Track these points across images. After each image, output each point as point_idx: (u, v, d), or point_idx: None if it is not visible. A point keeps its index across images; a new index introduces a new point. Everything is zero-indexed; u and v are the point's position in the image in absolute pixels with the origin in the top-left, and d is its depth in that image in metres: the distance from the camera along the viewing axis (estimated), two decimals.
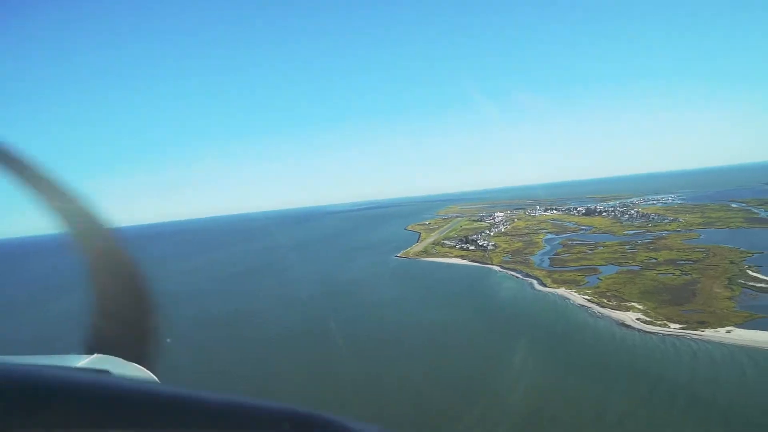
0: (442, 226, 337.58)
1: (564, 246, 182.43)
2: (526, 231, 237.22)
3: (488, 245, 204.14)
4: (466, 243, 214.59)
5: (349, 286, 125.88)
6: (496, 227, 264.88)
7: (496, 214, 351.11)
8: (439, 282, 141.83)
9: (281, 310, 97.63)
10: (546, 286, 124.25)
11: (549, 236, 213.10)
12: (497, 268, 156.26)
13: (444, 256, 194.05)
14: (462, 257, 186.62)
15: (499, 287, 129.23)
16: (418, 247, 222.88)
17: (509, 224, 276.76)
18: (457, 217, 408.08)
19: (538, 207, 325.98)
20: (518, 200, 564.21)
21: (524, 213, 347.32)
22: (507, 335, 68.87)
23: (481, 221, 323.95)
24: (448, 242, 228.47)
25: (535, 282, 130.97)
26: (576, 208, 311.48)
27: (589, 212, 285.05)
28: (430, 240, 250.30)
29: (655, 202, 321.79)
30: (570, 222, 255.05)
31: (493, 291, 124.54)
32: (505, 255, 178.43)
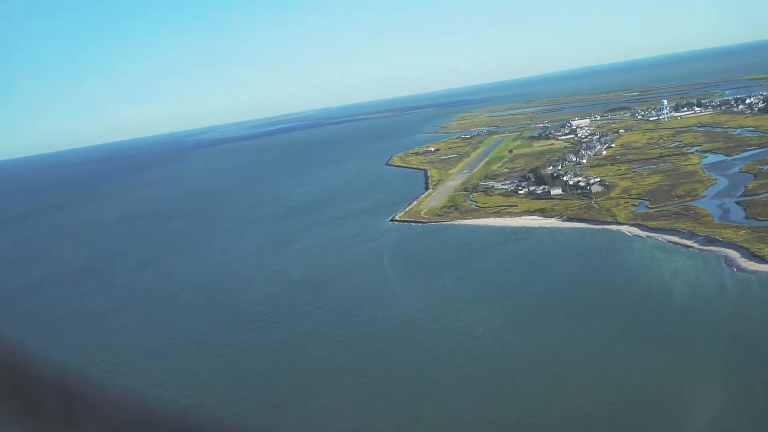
0: (466, 152, 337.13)
1: (757, 175, 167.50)
2: (655, 151, 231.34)
3: (590, 185, 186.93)
4: (540, 183, 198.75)
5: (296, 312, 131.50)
6: (589, 147, 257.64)
7: (574, 123, 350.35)
8: (519, 284, 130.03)
9: None
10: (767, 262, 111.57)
11: (711, 158, 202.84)
12: (631, 231, 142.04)
13: (499, 212, 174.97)
14: (541, 212, 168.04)
15: (664, 278, 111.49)
16: (434, 199, 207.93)
17: (610, 141, 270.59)
18: (488, 132, 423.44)
19: (665, 104, 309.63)
20: (575, 97, 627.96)
21: (630, 118, 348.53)
22: None
23: (547, 138, 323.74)
24: (496, 185, 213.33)
25: (736, 256, 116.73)
26: (741, 100, 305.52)
27: None
28: (455, 182, 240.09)
29: None
30: (739, 127, 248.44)
31: (658, 291, 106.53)
32: (636, 203, 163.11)
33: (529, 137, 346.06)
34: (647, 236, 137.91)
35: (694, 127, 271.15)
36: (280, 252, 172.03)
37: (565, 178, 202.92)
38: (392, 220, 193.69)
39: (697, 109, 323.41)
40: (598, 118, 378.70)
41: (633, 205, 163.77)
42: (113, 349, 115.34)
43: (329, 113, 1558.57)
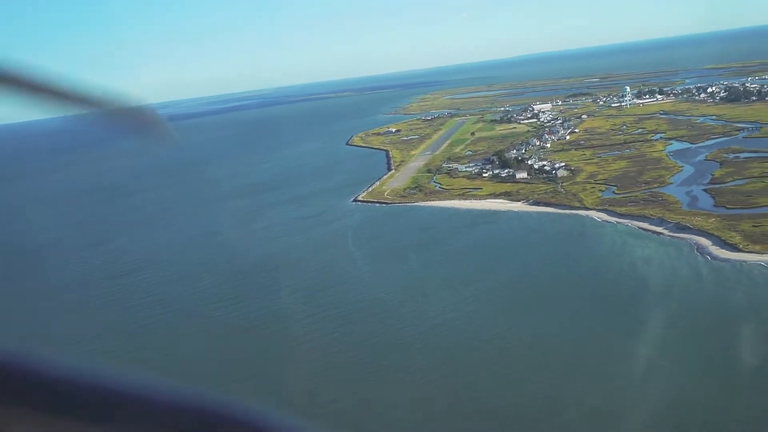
0: (428, 134, 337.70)
1: (723, 163, 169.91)
2: (619, 137, 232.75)
3: (556, 169, 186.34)
4: (505, 167, 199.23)
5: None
6: (552, 132, 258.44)
7: (536, 108, 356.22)
8: (491, 266, 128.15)
9: None
10: (740, 250, 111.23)
11: (676, 145, 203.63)
12: (600, 216, 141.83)
13: (464, 195, 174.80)
14: (507, 195, 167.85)
15: (637, 265, 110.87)
16: (397, 180, 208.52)
17: (573, 126, 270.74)
18: (449, 115, 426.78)
19: (627, 91, 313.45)
20: (537, 82, 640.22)
21: (593, 104, 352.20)
22: None
23: (509, 121, 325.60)
24: (460, 167, 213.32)
25: (708, 243, 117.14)
26: (703, 89, 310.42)
27: (733, 95, 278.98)
28: (418, 163, 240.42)
29: None
30: (701, 116, 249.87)
31: (632, 278, 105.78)
32: (602, 188, 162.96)
33: (491, 120, 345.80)
34: (616, 222, 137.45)
35: (657, 114, 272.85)
36: (242, 230, 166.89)
37: (529, 162, 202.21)
38: (355, 201, 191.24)
39: (659, 96, 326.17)
40: (560, 103, 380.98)
41: (600, 190, 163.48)
42: (69, 327, 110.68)
43: (289, 92, 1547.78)
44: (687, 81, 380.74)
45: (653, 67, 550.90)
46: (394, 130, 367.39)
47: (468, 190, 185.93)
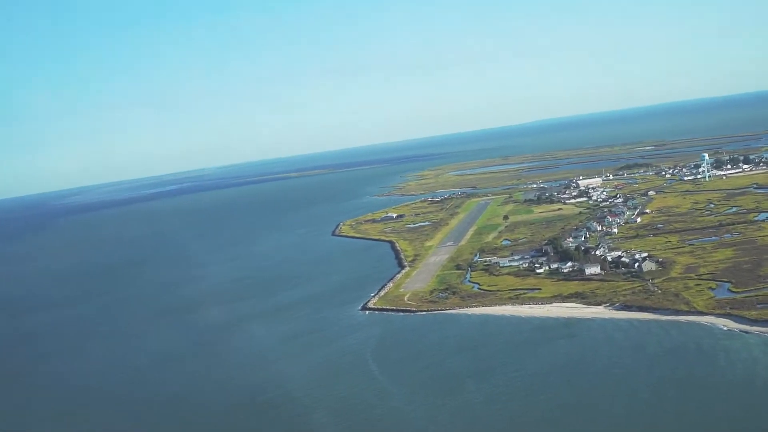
0: (442, 219, 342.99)
1: None
2: (709, 218, 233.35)
3: (639, 261, 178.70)
4: (565, 259, 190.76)
5: None
6: (615, 214, 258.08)
7: (582, 183, 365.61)
8: None
9: None
10: None
11: None
12: (723, 323, 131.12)
13: (518, 298, 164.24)
14: (580, 298, 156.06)
15: None
16: (418, 280, 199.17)
17: (642, 206, 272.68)
18: (464, 195, 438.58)
19: (706, 159, 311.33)
20: (568, 152, 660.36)
21: (656, 177, 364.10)
22: None
23: (551, 201, 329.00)
24: (501, 261, 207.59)
25: None
26: None
27: None
28: (439, 258, 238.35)
29: None
30: None
31: None
32: (711, 285, 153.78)
33: (525, 201, 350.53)
34: (749, 332, 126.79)
35: (751, 189, 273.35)
36: (212, 359, 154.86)
37: (598, 252, 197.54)
38: (365, 309, 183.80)
39: (745, 166, 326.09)
40: (611, 177, 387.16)
41: (709, 288, 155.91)
42: None
43: (237, 171, 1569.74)
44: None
45: (719, 132, 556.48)
46: (394, 215, 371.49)
47: (521, 291, 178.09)
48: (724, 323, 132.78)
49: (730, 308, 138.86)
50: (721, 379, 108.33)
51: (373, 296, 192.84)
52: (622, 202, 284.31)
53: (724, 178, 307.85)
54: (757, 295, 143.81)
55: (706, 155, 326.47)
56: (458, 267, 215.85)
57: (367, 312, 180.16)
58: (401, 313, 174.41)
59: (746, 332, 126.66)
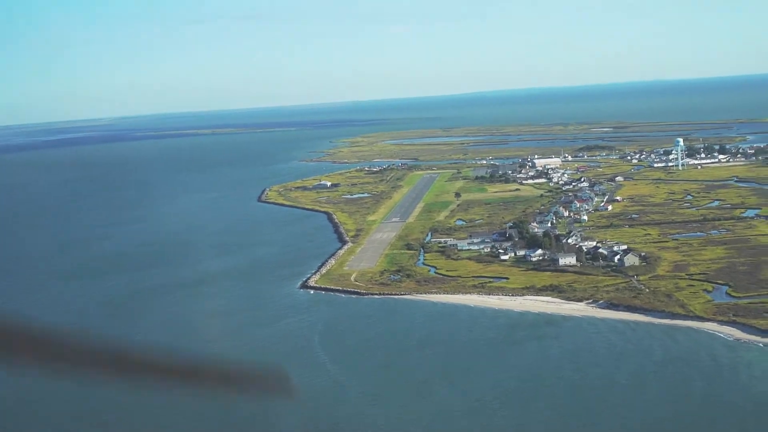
0: (384, 191, 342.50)
1: None
2: (690, 210, 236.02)
3: (620, 254, 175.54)
4: (532, 245, 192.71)
5: None
6: (582, 199, 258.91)
7: (539, 163, 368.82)
8: None
9: None
10: None
11: None
12: (728, 332, 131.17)
13: (484, 286, 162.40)
14: (556, 291, 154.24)
15: None
16: (364, 259, 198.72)
17: (611, 192, 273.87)
18: (405, 166, 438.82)
19: (680, 145, 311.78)
20: (518, 127, 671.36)
21: (621, 161, 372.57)
22: None
23: (506, 180, 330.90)
24: (459, 243, 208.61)
25: None
26: None
27: None
28: (386, 235, 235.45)
29: None
30: None
31: None
32: (707, 287, 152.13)
33: (477, 178, 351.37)
34: (760, 343, 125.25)
35: (732, 182, 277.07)
36: (121, 335, 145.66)
37: (570, 241, 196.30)
38: (305, 287, 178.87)
39: (721, 157, 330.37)
40: (569, 158, 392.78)
41: (704, 290, 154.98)
42: None
43: (135, 124, 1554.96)
44: (749, 137, 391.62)
45: (686, 117, 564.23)
46: (328, 183, 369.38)
47: (486, 279, 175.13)
48: (730, 332, 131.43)
49: (734, 315, 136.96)
50: (747, 395, 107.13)
51: (314, 273, 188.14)
52: (589, 186, 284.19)
53: (699, 168, 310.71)
54: (762, 302, 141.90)
55: (681, 141, 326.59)
56: (409, 246, 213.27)
57: (310, 291, 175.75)
58: (348, 295, 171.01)
59: (759, 343, 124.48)
